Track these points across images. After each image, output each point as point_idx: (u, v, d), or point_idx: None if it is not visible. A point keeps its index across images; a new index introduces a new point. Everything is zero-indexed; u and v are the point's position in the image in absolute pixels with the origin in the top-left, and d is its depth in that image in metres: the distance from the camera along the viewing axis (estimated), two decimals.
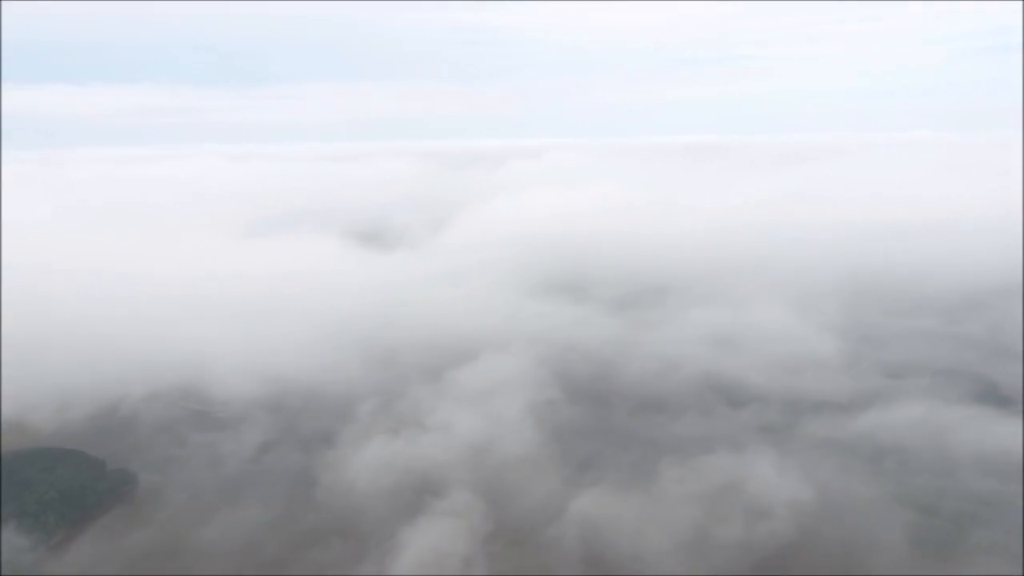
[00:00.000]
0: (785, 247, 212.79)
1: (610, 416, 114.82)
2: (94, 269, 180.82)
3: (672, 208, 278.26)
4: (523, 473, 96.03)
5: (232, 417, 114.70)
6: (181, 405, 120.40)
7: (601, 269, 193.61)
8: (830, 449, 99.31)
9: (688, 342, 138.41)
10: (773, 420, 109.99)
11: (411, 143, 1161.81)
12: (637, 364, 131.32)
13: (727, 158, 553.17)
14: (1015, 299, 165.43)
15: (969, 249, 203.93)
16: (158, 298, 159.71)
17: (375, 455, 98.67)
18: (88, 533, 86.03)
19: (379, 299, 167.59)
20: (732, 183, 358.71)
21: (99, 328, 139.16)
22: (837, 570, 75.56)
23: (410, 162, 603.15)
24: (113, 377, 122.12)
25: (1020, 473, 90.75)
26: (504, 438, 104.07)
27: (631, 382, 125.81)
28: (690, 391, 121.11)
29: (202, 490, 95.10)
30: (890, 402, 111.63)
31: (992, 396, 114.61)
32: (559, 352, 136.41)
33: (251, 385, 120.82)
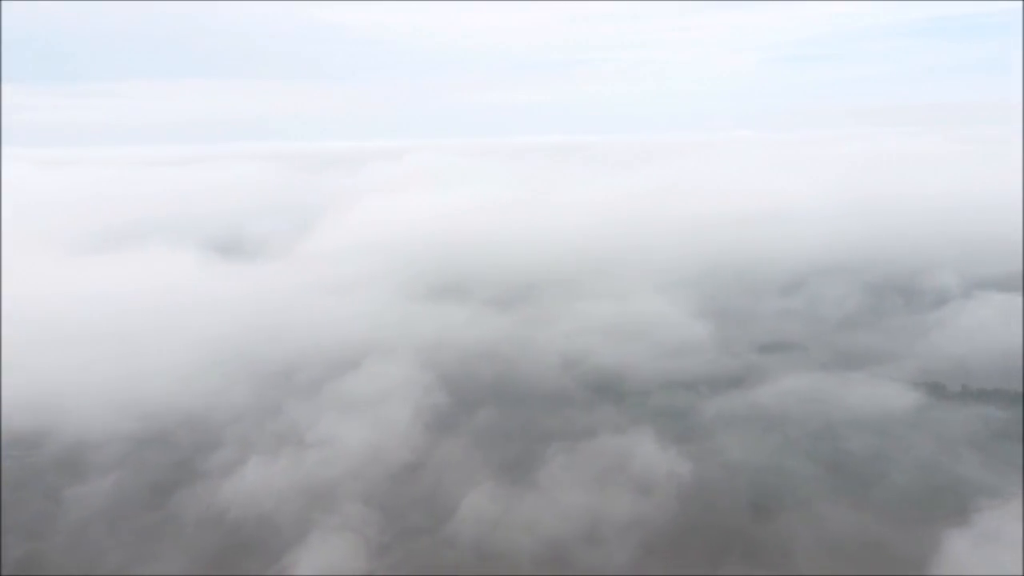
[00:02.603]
0: (652, 238, 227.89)
1: (504, 413, 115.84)
2: None
3: (543, 206, 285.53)
4: (415, 479, 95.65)
5: (113, 461, 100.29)
6: (30, 454, 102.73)
7: (481, 269, 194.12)
8: (727, 424, 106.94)
9: (577, 335, 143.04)
10: (668, 402, 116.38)
11: (261, 145, 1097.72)
12: (529, 360, 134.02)
13: (585, 157, 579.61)
14: (834, 277, 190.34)
15: (794, 235, 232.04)
16: None
17: (271, 477, 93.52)
18: None
19: (252, 314, 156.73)
20: (595, 180, 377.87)
21: None
22: (758, 529, 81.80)
23: (263, 165, 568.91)
24: None
25: (897, 428, 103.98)
26: (392, 443, 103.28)
27: (523, 378, 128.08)
28: (583, 382, 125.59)
29: (99, 551, 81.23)
30: (768, 375, 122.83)
31: (841, 362, 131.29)
32: (447, 355, 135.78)
33: (129, 422, 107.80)
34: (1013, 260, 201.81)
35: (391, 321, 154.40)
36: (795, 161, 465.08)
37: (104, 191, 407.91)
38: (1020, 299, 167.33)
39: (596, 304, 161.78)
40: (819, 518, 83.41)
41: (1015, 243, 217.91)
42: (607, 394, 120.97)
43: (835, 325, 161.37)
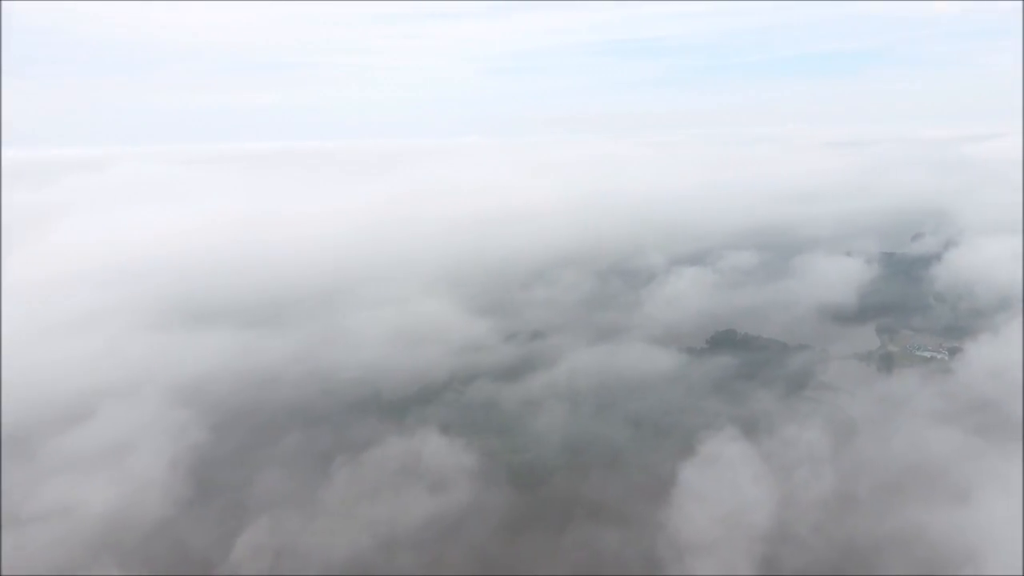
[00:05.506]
0: (413, 242, 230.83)
1: (277, 440, 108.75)
2: None
3: (292, 216, 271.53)
4: (180, 528, 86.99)
5: None
6: None
7: (232, 290, 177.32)
8: (531, 406, 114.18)
9: (365, 346, 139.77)
10: (473, 396, 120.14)
11: None
12: (317, 379, 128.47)
13: (322, 164, 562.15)
14: (568, 267, 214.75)
15: (532, 232, 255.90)
16: None
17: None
18: None
19: None
20: (341, 188, 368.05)
21: None
22: (588, 490, 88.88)
23: None
24: None
25: (661, 383, 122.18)
26: (148, 496, 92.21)
27: (299, 398, 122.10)
28: (379, 392, 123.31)
29: None
30: (549, 358, 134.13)
31: (595, 337, 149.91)
32: (214, 387, 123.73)
33: None
34: (699, 240, 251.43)
35: (130, 359, 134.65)
36: (521, 164, 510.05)
37: None
38: (706, 271, 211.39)
39: (377, 312, 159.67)
40: (626, 467, 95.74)
41: (699, 227, 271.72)
42: (406, 400, 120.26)
43: (580, 308, 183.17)
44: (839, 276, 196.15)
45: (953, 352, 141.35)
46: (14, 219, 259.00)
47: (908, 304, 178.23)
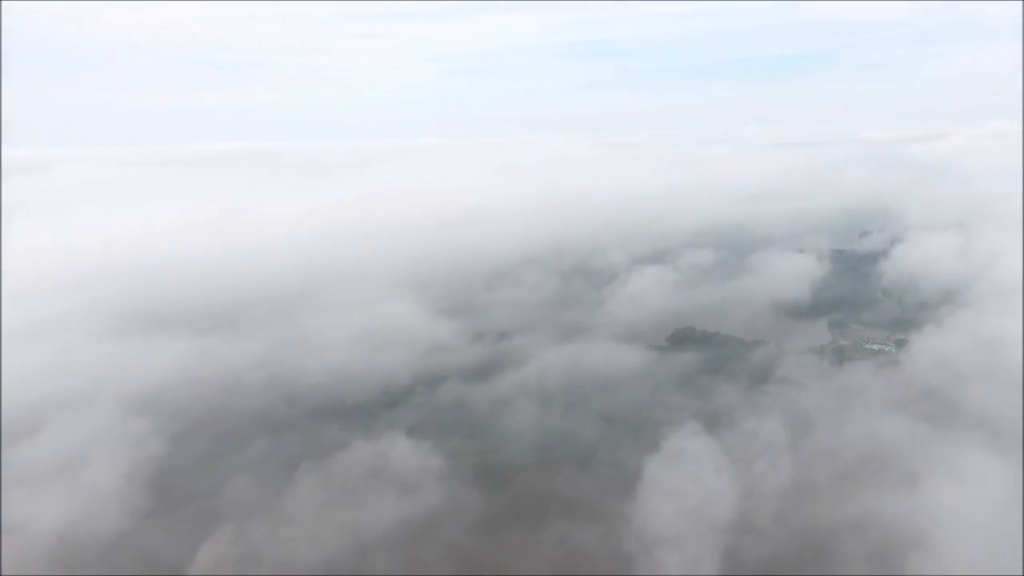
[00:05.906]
0: (378, 244, 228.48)
1: (240, 447, 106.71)
2: None
3: (252, 219, 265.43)
4: (137, 542, 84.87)
5: None
6: None
7: (190, 295, 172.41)
8: (502, 407, 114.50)
9: (331, 349, 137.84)
10: (444, 398, 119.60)
11: None
12: (270, 384, 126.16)
13: (274, 165, 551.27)
14: (531, 267, 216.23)
15: (495, 233, 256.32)
16: None
17: None
18: None
19: None
20: (299, 190, 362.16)
21: None
22: (565, 487, 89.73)
23: None
24: None
25: (629, 380, 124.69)
26: (105, 509, 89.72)
27: (262, 404, 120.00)
28: (348, 395, 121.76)
29: None
30: (518, 358, 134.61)
31: (562, 336, 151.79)
32: (165, 395, 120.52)
33: None
34: (659, 239, 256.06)
35: (84, 368, 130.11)
36: (482, 165, 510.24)
37: None
38: (666, 269, 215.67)
39: (340, 315, 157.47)
40: (595, 464, 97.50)
41: (659, 226, 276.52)
42: (373, 404, 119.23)
43: (545, 308, 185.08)
44: (792, 273, 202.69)
45: (900, 344, 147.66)
46: None
47: (857, 299, 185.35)
